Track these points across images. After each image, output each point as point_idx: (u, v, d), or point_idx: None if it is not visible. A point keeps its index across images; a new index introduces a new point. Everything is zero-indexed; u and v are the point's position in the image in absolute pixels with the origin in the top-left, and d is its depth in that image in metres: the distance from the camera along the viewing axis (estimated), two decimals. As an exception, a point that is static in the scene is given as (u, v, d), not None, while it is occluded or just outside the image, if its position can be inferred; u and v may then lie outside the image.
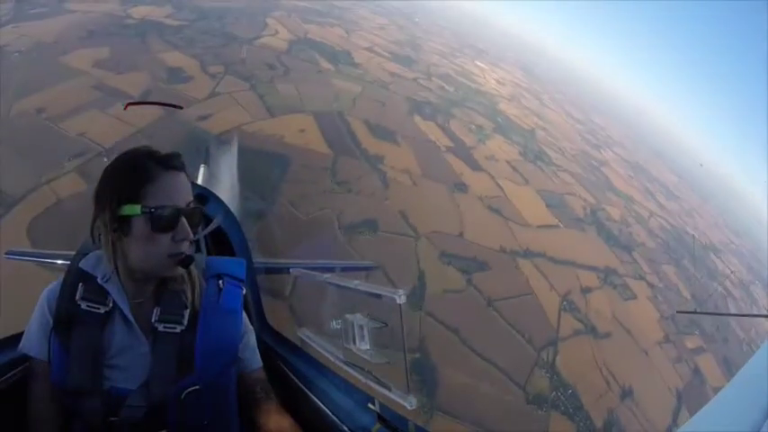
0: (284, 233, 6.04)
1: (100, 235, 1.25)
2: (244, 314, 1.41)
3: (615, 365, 6.70)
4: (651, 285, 9.72)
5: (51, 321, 1.25)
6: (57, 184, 5.54)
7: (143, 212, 1.19)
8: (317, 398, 1.45)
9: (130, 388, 1.23)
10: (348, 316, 1.33)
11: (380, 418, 1.27)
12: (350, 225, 6.61)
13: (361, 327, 1.29)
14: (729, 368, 9.58)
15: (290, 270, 1.87)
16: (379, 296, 1.24)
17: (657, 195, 16.71)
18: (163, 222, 1.21)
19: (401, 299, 1.16)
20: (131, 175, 1.24)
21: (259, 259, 2.86)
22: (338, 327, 1.37)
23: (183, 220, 1.22)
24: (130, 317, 1.26)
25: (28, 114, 6.44)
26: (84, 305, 1.24)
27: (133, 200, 1.20)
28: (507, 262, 7.22)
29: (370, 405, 1.30)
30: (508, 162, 10.73)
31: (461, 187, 8.59)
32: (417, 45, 19.72)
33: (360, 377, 1.30)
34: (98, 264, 1.29)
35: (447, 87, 14.75)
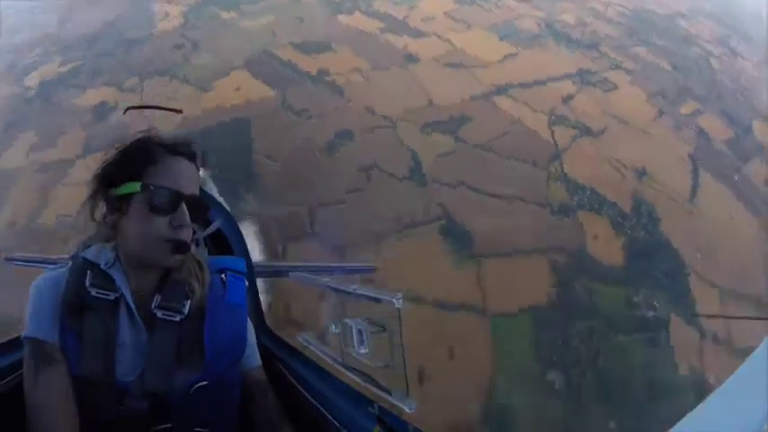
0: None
1: (104, 217, 1.29)
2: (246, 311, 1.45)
3: (621, 154, 6.85)
4: (628, 70, 9.55)
5: (59, 307, 1.25)
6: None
7: (142, 190, 1.21)
8: (317, 401, 1.48)
9: (131, 380, 1.25)
10: (347, 320, 1.37)
11: (380, 420, 1.28)
12: (327, 144, 6.53)
13: (359, 330, 1.32)
14: (731, 119, 9.59)
15: (290, 274, 1.92)
16: (377, 299, 1.27)
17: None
18: (161, 203, 1.22)
19: (399, 303, 1.17)
20: (135, 154, 1.28)
21: (258, 261, 2.95)
22: (337, 330, 1.41)
23: (184, 206, 1.23)
24: (132, 304, 1.27)
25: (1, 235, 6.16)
26: (94, 291, 1.24)
27: (135, 179, 1.23)
28: (484, 105, 7.18)
29: (370, 408, 1.32)
30: (446, 13, 10.33)
31: (412, 58, 8.45)
32: None
33: (359, 381, 1.34)
34: (100, 253, 1.30)
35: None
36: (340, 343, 1.41)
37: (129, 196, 1.22)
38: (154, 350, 1.25)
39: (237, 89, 7.96)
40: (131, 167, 1.25)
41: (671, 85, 9.81)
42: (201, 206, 1.29)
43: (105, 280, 1.26)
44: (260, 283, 2.31)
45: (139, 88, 8.82)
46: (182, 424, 1.30)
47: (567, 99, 7.76)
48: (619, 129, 7.49)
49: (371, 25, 9.86)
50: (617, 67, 9.59)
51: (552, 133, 6.78)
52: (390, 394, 1.21)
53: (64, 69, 10.73)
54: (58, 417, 1.18)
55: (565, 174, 6.09)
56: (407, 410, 1.16)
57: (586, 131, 7.08)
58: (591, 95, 8.16)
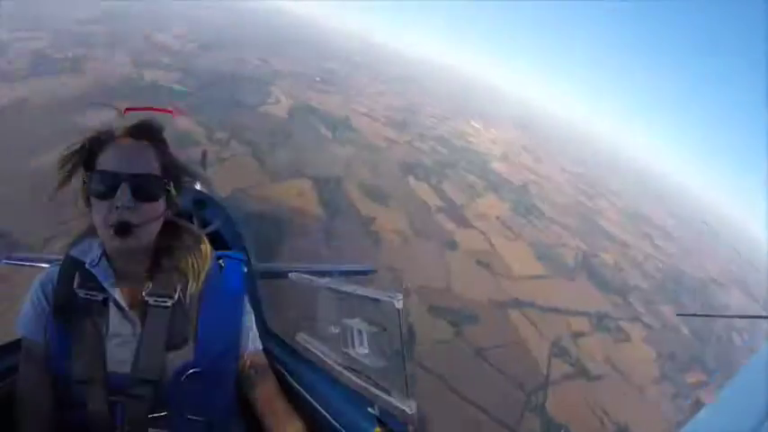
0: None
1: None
2: (245, 294, 1.43)
3: (608, 405, 6.87)
4: (647, 326, 9.89)
5: (48, 307, 1.27)
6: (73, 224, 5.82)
7: (88, 179, 1.23)
8: (317, 402, 1.47)
9: (127, 371, 1.23)
10: (347, 320, 1.37)
11: (380, 421, 1.30)
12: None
13: (359, 331, 1.33)
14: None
15: (289, 274, 1.88)
16: (376, 300, 1.29)
17: (655, 238, 16.88)
18: (97, 187, 1.20)
19: (399, 303, 1.20)
20: (89, 143, 1.25)
21: (258, 263, 2.92)
22: (337, 331, 1.40)
23: (125, 186, 1.18)
24: (120, 299, 1.26)
25: (43, 171, 6.60)
26: (82, 293, 1.25)
27: (89, 168, 1.23)
28: (496, 313, 7.52)
29: (370, 409, 1.33)
30: (498, 218, 11.17)
31: (451, 244, 8.99)
32: (414, 109, 20.50)
33: (359, 382, 1.32)
34: (89, 249, 1.30)
35: (440, 149, 15.36)
36: (340, 343, 1.38)
37: (87, 188, 1.23)
38: (146, 337, 1.23)
39: (300, 195, 8.54)
40: (86, 157, 1.25)
41: (684, 350, 9.95)
42: (146, 183, 1.22)
43: (92, 280, 1.26)
44: (260, 283, 2.33)
45: (223, 144, 8.95)
46: (177, 412, 1.27)
47: (577, 336, 8.05)
48: (615, 380, 7.60)
49: (432, 199, 10.80)
50: (636, 319, 9.94)
51: (548, 363, 7.00)
52: (390, 396, 1.22)
53: (177, 87, 12.28)
54: (28, 410, 1.24)
55: (544, 407, 6.20)
56: (407, 411, 1.17)
57: (582, 373, 7.24)
58: (601, 340, 8.41)
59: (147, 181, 1.22)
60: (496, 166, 16.38)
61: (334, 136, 12.69)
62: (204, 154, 5.38)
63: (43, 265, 3.10)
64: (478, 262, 8.82)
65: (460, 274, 8.13)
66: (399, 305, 1.21)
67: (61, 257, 1.34)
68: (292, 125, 12.31)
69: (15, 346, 1.35)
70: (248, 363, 1.38)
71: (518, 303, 8.01)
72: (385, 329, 1.31)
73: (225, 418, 1.36)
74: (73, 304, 1.24)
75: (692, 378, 9.14)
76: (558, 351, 7.41)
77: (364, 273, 4.67)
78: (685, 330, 10.97)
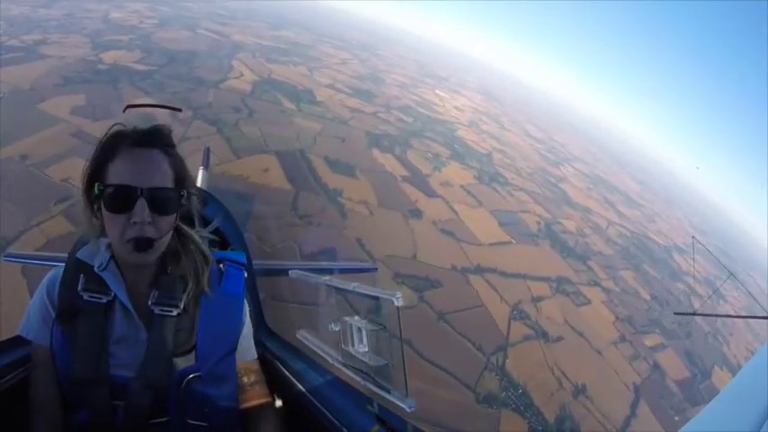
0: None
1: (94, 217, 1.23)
2: (245, 301, 1.40)
3: (567, 366, 7.07)
4: (607, 290, 10.17)
5: (53, 311, 1.25)
6: (46, 226, 5.82)
7: (102, 191, 1.17)
8: (317, 400, 1.45)
9: (132, 375, 1.22)
10: (346, 318, 1.36)
11: (379, 419, 1.28)
12: (310, 254, 6.93)
13: (359, 329, 1.32)
14: (693, 361, 10.00)
15: (289, 272, 1.87)
16: (376, 298, 1.28)
17: (618, 204, 17.26)
18: (113, 202, 1.17)
19: (398, 301, 1.19)
20: (99, 152, 1.21)
21: (258, 260, 2.84)
22: (337, 329, 1.40)
23: (142, 201, 1.15)
24: (129, 305, 1.25)
25: (12, 161, 6.69)
26: (86, 296, 1.23)
27: (98, 179, 1.18)
28: (458, 279, 7.65)
29: (369, 407, 1.31)
30: (463, 186, 11.29)
31: (416, 213, 9.07)
32: (378, 78, 20.50)
33: (359, 379, 1.32)
34: (97, 252, 1.27)
35: (406, 119, 15.38)
36: (340, 342, 1.38)
37: (98, 198, 1.18)
38: (152, 345, 1.23)
39: (265, 170, 8.60)
40: (96, 167, 1.20)
41: (642, 314, 10.36)
42: (164, 197, 1.19)
43: (98, 284, 1.24)
44: (260, 282, 2.29)
45: (187, 124, 9.35)
46: (177, 417, 1.27)
47: (537, 300, 8.21)
48: (574, 342, 7.81)
49: (397, 170, 10.83)
50: (596, 284, 10.18)
51: (508, 326, 7.14)
52: (390, 393, 1.22)
53: (138, 66, 12.03)
54: (38, 411, 1.23)
55: (503, 367, 6.37)
56: (407, 409, 1.16)
57: (542, 335, 7.40)
58: (561, 303, 8.59)
59: (165, 194, 1.19)
60: (461, 134, 16.45)
61: (298, 109, 12.59)
62: (207, 152, 5.30)
63: (43, 263, 3.30)
64: (443, 230, 8.92)
65: (425, 242, 8.22)
66: (399, 303, 1.19)
67: (61, 256, 1.33)
68: (255, 100, 12.19)
69: (15, 342, 1.33)
70: (242, 371, 1.35)
71: (480, 269, 8.12)
72: (384, 327, 1.31)
73: (226, 423, 1.34)
74: (78, 306, 1.23)
75: (650, 342, 9.48)
76: (519, 314, 7.55)
77: (365, 271, 4.65)
78: (646, 294, 11.36)
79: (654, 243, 15.43)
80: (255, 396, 1.34)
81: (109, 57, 12.10)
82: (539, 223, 11.32)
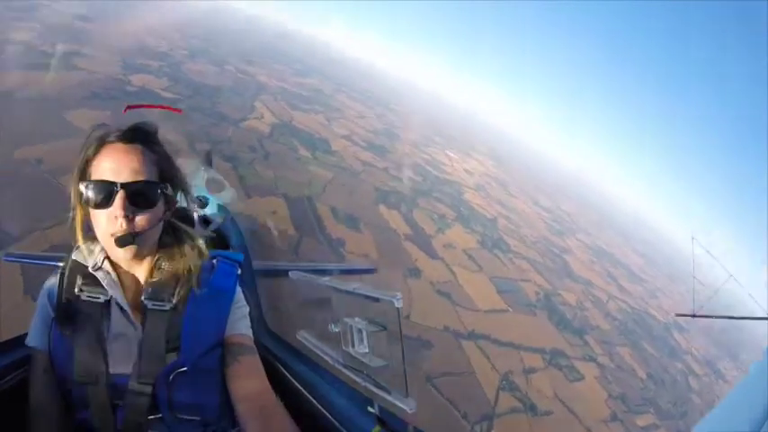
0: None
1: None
2: (239, 290, 1.40)
3: None
4: (601, 366, 10.00)
5: (52, 313, 1.27)
6: (51, 231, 5.73)
7: (85, 188, 1.22)
8: (317, 401, 1.49)
9: (127, 372, 1.24)
10: (347, 319, 1.35)
11: (380, 420, 1.30)
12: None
13: (359, 330, 1.32)
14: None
15: (289, 273, 1.87)
16: (376, 299, 1.28)
17: (620, 279, 17.12)
18: (93, 198, 1.20)
19: (399, 303, 1.20)
20: (84, 151, 1.25)
21: (258, 261, 2.90)
22: (337, 330, 1.38)
23: (120, 196, 1.18)
24: (123, 302, 1.27)
25: (28, 163, 6.76)
26: (84, 296, 1.26)
27: (82, 178, 1.24)
28: (450, 342, 7.61)
29: (370, 408, 1.33)
30: (465, 250, 11.31)
31: (415, 272, 9.11)
32: (393, 134, 20.82)
33: (359, 380, 1.31)
34: (91, 252, 1.31)
35: (415, 177, 15.53)
36: (340, 342, 1.37)
37: (82, 196, 1.22)
38: (146, 339, 1.24)
39: (273, 212, 8.50)
40: (82, 165, 1.25)
41: (637, 393, 10.06)
42: (142, 191, 1.22)
43: (94, 283, 1.26)
44: (260, 282, 2.31)
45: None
46: (169, 412, 1.26)
47: (529, 371, 8.13)
48: (563, 417, 7.68)
49: (401, 227, 10.89)
50: (591, 359, 10.02)
51: (496, 396, 7.07)
52: (390, 394, 1.22)
53: (165, 94, 12.51)
54: (38, 412, 1.25)
55: None
56: (407, 410, 1.16)
57: (530, 408, 7.31)
58: (553, 377, 8.47)
59: (143, 187, 1.22)
60: (469, 197, 16.63)
61: (313, 156, 12.82)
62: (208, 153, 5.36)
63: (43, 263, 3.38)
64: (439, 291, 8.93)
65: (421, 303, 8.21)
66: (399, 304, 1.20)
67: (60, 256, 1.36)
68: (273, 143, 12.44)
69: (15, 343, 1.37)
70: (232, 343, 1.33)
71: (473, 335, 8.10)
72: (385, 328, 1.31)
73: (219, 417, 1.35)
74: (75, 307, 1.26)
75: (642, 422, 9.24)
76: (508, 385, 7.47)
77: (363, 272, 4.81)
78: (642, 373, 11.14)
79: (654, 320, 15.26)
80: (251, 384, 1.30)
81: (138, 79, 12.49)
82: (537, 293, 11.28)
